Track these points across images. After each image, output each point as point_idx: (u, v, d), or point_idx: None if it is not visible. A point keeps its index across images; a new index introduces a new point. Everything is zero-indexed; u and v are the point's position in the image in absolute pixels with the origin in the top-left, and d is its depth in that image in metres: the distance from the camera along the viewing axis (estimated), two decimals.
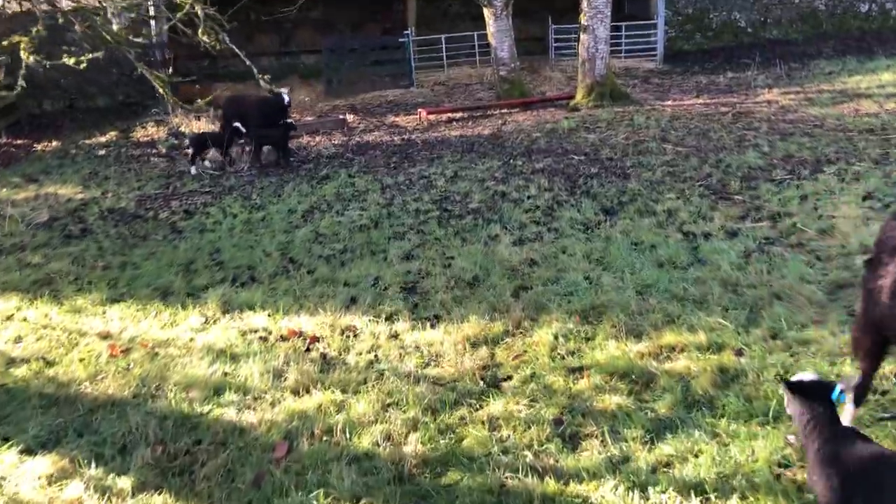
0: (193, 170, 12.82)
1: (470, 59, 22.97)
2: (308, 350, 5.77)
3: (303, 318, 6.35)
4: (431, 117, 16.96)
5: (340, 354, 5.65)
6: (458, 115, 17.12)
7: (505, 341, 5.54)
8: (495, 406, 4.57)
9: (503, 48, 17.57)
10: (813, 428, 3.08)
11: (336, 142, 14.91)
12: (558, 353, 5.22)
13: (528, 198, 9.47)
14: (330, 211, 9.78)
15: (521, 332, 5.67)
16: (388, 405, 4.74)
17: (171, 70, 19.89)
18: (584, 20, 15.96)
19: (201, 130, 14.63)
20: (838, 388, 3.09)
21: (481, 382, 4.94)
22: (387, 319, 6.15)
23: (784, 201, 8.26)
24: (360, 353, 5.61)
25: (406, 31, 21.39)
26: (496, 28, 17.35)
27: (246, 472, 4.22)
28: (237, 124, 12.62)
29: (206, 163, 13.13)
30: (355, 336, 5.93)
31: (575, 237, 7.81)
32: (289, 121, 12.91)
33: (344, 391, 4.99)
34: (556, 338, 5.44)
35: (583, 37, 16.06)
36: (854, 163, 9.52)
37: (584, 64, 16.21)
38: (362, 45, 22.17)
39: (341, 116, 17.49)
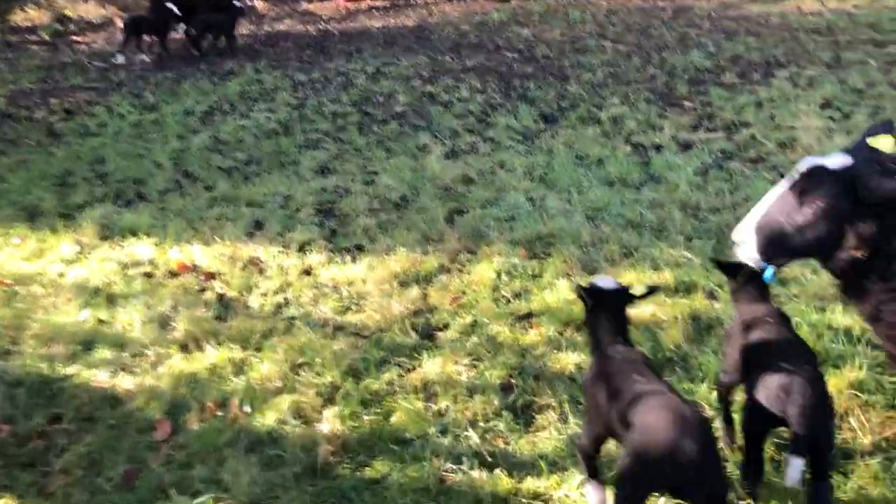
0: (120, 58, 11.29)
1: None
2: (202, 290, 4.77)
3: (197, 247, 5.31)
4: (350, 5, 15.45)
5: (242, 296, 4.68)
6: (380, 3, 15.65)
7: (439, 279, 4.66)
8: (431, 366, 3.74)
9: None
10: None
11: (243, 32, 13.34)
12: (502, 295, 4.40)
13: (460, 101, 8.44)
14: (233, 113, 8.55)
15: (457, 268, 4.81)
16: (300, 366, 3.85)
17: None
18: None
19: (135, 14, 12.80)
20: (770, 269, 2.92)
21: (413, 334, 4.08)
22: (299, 250, 5.17)
23: (738, 109, 7.50)
24: (266, 295, 4.66)
25: None
26: None
27: (117, 463, 3.31)
28: (170, 5, 11.04)
29: (144, 56, 11.45)
30: (260, 272, 4.95)
31: (513, 149, 6.90)
32: (237, 3, 11.40)
33: (244, 346, 4.06)
34: (498, 275, 4.60)
35: None
36: (806, 66, 8.81)
37: None
38: None
39: (249, 2, 15.74)
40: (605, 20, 12.34)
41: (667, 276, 4.39)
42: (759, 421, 2.67)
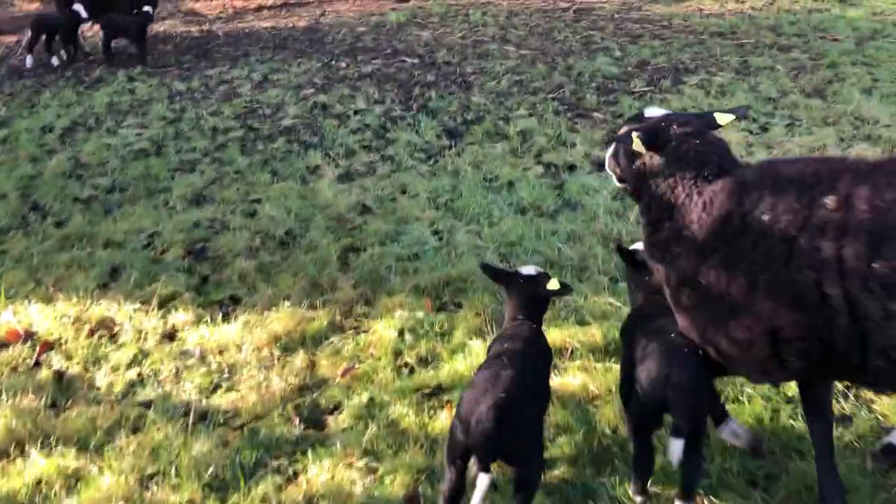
0: (29, 60, 9.96)
1: None
2: (36, 366, 3.85)
3: (35, 307, 4.35)
4: (238, 4, 14.36)
5: (86, 371, 3.79)
6: (269, 1, 14.60)
7: (330, 341, 3.89)
8: (317, 471, 2.98)
9: None
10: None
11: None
12: (405, 363, 3.67)
13: (356, 113, 7.65)
14: (99, 129, 7.48)
15: (352, 325, 4.05)
16: (151, 476, 3.02)
17: None
18: None
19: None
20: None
21: (297, 421, 3.31)
22: (161, 306, 4.29)
23: None
24: (117, 369, 3.78)
25: None
26: None
27: None
28: (78, 6, 9.76)
29: (54, 59, 10.08)
30: (112, 338, 4.05)
31: (416, 170, 6.18)
32: (146, 8, 10.05)
33: (82, 449, 3.20)
34: (401, 334, 3.86)
35: None
36: (715, 72, 8.45)
37: None
38: None
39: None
40: (506, 22, 11.76)
41: (594, 333, 3.77)
42: (646, 409, 2.65)
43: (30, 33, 10.07)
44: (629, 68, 8.84)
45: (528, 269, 3.19)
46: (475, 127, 7.10)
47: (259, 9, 14.04)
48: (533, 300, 3.10)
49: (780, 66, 8.56)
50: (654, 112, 2.93)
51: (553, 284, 3.07)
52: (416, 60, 9.66)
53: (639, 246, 3.04)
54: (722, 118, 2.72)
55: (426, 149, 6.66)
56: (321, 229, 5.17)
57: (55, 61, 10.00)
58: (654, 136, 2.65)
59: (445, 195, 5.63)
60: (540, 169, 6.07)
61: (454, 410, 2.74)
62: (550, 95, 7.99)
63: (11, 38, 11.88)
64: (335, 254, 4.79)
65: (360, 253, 4.80)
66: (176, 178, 6.21)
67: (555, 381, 3.37)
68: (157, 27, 12.51)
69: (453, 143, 6.74)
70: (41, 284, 4.60)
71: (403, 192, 5.75)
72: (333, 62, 9.66)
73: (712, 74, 8.39)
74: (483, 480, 2.39)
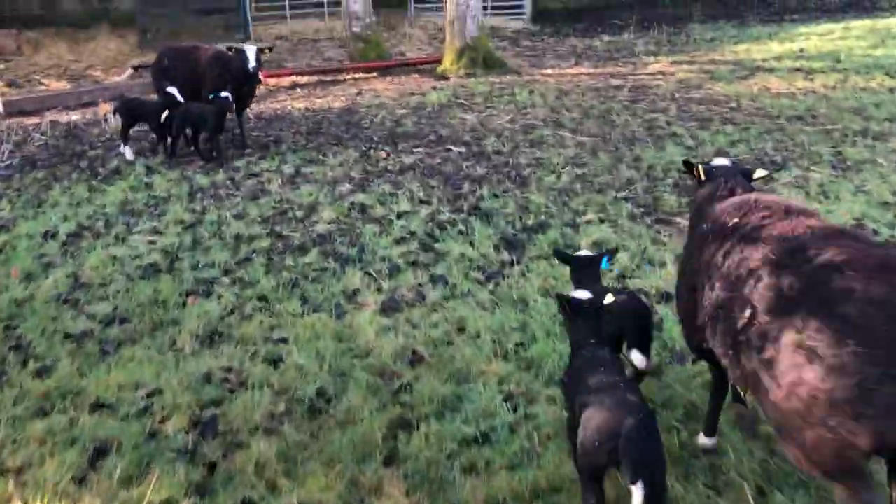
0: (128, 153, 8.81)
1: (318, 9, 19.57)
2: None
3: None
4: (271, 82, 13.63)
5: None
6: (304, 79, 13.88)
7: None
8: None
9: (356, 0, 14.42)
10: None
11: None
12: None
13: (399, 216, 6.64)
14: (107, 235, 6.53)
15: None
16: None
17: None
18: None
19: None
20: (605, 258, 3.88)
21: None
22: None
23: None
24: None
25: None
26: None
27: None
28: (173, 90, 8.63)
29: (127, 151, 8.81)
30: None
31: (473, 296, 5.09)
32: (224, 94, 8.29)
33: None
34: None
35: None
36: (809, 167, 7.36)
37: (452, 24, 13.39)
38: None
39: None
40: (557, 103, 10.82)
41: None
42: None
43: (119, 119, 8.95)
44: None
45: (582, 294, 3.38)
46: (538, 236, 6.02)
47: (293, 87, 13.29)
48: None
49: (881, 160, 7.43)
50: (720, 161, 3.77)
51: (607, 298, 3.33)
52: (462, 149, 8.69)
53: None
54: (757, 174, 3.62)
55: (483, 265, 5.58)
56: (361, 389, 4.06)
57: (129, 154, 8.75)
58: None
59: (514, 337, 4.51)
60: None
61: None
62: (621, 194, 6.93)
63: (34, 120, 11.19)
64: (380, 432, 3.67)
65: (411, 432, 3.68)
66: (188, 305, 5.18)
67: None
68: None
69: (515, 258, 5.66)
70: (3, 473, 3.53)
71: (461, 331, 4.66)
72: (372, 151, 8.72)
73: (805, 170, 7.28)
74: (640, 489, 2.49)
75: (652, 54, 15.61)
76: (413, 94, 12.00)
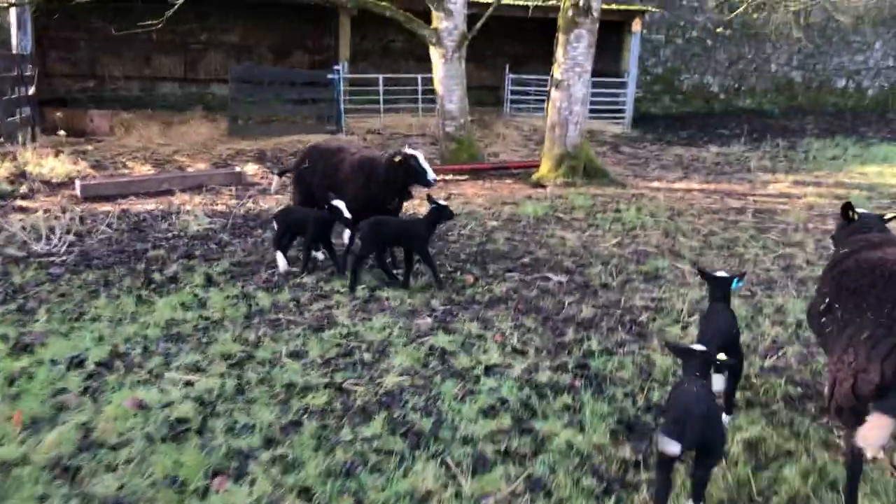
0: (282, 264, 7.59)
1: (412, 104, 18.99)
2: None
3: None
4: None
5: None
6: None
7: None
8: None
9: (452, 98, 13.57)
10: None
11: (219, 207, 10.60)
12: None
13: (487, 371, 5.32)
14: (140, 368, 5.43)
15: None
16: None
17: (33, 87, 15.32)
18: (557, 73, 12.08)
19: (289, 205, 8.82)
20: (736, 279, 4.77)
21: None
22: None
23: None
24: None
25: (337, 66, 17.26)
26: (445, 73, 13.35)
27: None
28: (338, 203, 7.24)
29: (281, 262, 7.63)
30: None
31: None
32: (440, 202, 7.10)
33: None
34: None
35: (554, 94, 12.17)
36: None
37: (553, 129, 12.29)
38: (282, 77, 17.87)
39: (238, 168, 13.14)
40: (669, 225, 9.46)
41: None
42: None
43: (276, 228, 7.79)
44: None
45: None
46: None
47: None
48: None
49: None
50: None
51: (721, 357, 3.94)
52: (563, 278, 7.38)
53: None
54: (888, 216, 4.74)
55: (598, 466, 4.17)
56: None
57: (283, 265, 7.55)
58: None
59: None
60: None
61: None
62: (768, 362, 5.43)
63: (107, 207, 10.53)
64: None
65: None
66: (212, 489, 3.94)
67: None
68: (264, 202, 10.94)
69: (640, 456, 4.23)
70: None
71: None
72: (458, 273, 7.52)
73: None
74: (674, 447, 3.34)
75: (768, 171, 14.15)
76: (506, 203, 10.86)
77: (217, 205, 10.87)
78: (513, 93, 18.91)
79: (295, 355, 5.62)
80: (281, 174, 9.43)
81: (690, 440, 3.35)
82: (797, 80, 24.15)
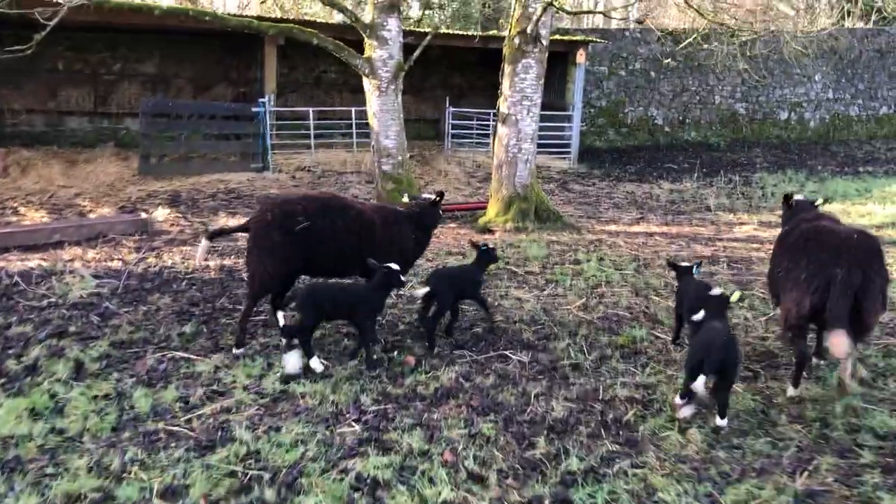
0: (293, 363, 5.56)
1: (346, 139, 17.55)
2: None
3: None
4: None
5: None
6: None
7: None
8: None
9: (388, 134, 12.19)
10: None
11: (114, 263, 8.93)
12: None
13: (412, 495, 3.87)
14: None
15: None
16: None
17: None
18: (504, 107, 10.83)
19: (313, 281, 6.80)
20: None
21: None
22: None
23: None
24: None
25: (263, 99, 15.71)
26: (380, 106, 11.99)
27: None
28: (393, 266, 5.78)
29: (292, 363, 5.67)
30: None
31: None
32: (488, 245, 6.67)
33: None
34: None
35: (501, 129, 10.90)
36: None
37: (500, 168, 11.02)
38: (200, 110, 16.22)
39: (144, 215, 11.44)
40: (638, 280, 8.21)
41: None
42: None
43: (300, 314, 5.79)
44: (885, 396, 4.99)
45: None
46: None
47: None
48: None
49: None
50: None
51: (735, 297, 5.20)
52: (524, 357, 5.99)
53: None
54: (818, 200, 6.40)
55: None
56: None
57: (294, 365, 5.53)
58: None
59: None
60: None
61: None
62: (800, 482, 4.11)
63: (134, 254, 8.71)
64: None
65: None
66: None
67: None
68: (169, 257, 9.28)
69: None
70: None
71: None
72: (397, 352, 6.04)
73: None
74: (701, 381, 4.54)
75: (728, 210, 13.15)
76: (451, 252, 9.46)
77: (113, 260, 9.19)
78: (454, 126, 17.66)
79: (170, 495, 4.04)
80: (212, 237, 6.69)
81: (714, 365, 4.56)
82: (741, 111, 23.64)
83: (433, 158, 17.66)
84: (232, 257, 9.47)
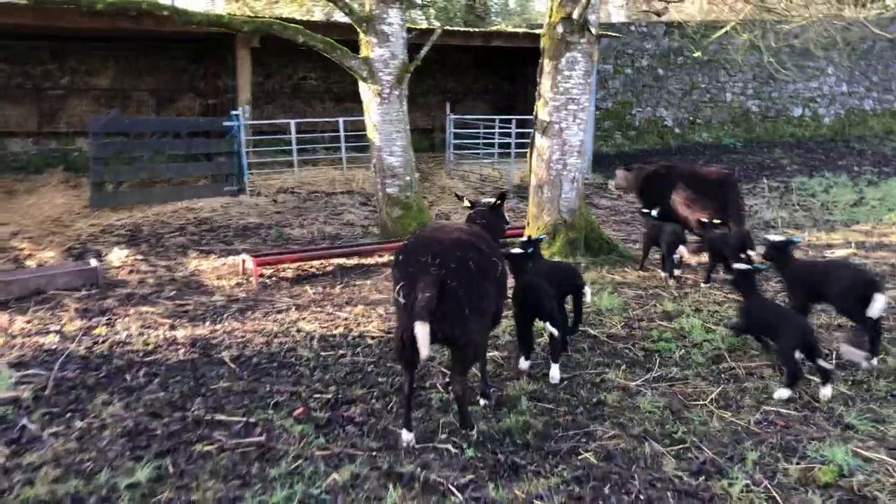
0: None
1: (332, 154, 15.12)
2: None
3: None
4: (266, 271, 8.83)
5: None
6: (315, 265, 9.08)
7: None
8: None
9: (393, 150, 9.84)
10: None
11: (48, 339, 6.50)
12: None
13: None
14: None
15: None
16: None
17: None
18: (544, 113, 8.52)
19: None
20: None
21: None
22: None
23: None
24: None
25: (236, 111, 13.21)
26: (382, 117, 9.62)
27: None
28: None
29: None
30: None
31: None
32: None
33: None
34: None
35: (541, 141, 8.58)
36: None
37: (540, 189, 8.68)
38: (163, 127, 13.67)
39: (93, 262, 8.91)
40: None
41: None
42: None
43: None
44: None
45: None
46: None
47: (299, 279, 8.45)
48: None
49: None
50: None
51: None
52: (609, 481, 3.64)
53: None
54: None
55: None
56: None
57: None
58: None
59: None
60: None
61: None
62: None
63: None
64: None
65: None
66: None
67: None
68: (122, 325, 6.80)
69: None
70: None
71: None
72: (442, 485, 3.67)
73: None
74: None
75: (792, 226, 10.97)
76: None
77: (47, 333, 6.73)
78: (455, 136, 15.30)
79: None
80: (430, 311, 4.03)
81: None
82: (753, 109, 21.61)
83: (432, 173, 15.30)
84: (207, 323, 7.03)
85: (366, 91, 9.91)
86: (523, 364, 5.44)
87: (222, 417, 4.97)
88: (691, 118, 21.00)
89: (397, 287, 4.47)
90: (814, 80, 22.23)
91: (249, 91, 13.82)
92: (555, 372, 5.22)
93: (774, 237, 5.97)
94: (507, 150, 14.74)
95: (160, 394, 5.39)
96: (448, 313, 4.22)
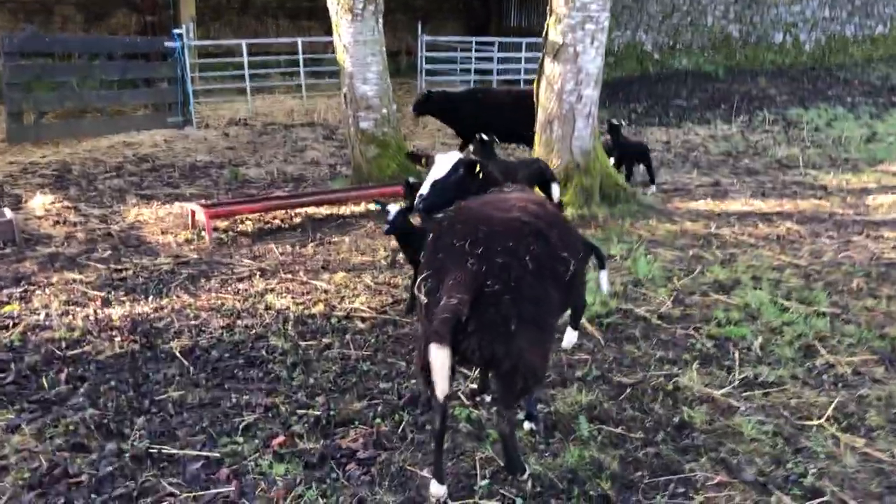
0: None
1: (290, 81, 13.29)
2: None
3: None
4: (221, 224, 7.28)
5: None
6: (279, 216, 7.56)
7: None
8: None
9: (367, 76, 8.25)
10: None
11: None
12: None
13: None
14: None
15: None
16: None
17: None
18: (555, 33, 7.00)
19: None
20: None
21: None
22: None
23: None
24: None
25: (179, 30, 11.27)
26: (354, 38, 7.99)
27: None
28: None
29: None
30: None
31: None
32: None
33: None
34: None
35: (551, 67, 7.10)
36: None
37: (549, 125, 7.25)
38: (93, 47, 11.67)
39: (8, 213, 7.20)
40: (876, 337, 4.74)
41: None
42: None
43: None
44: None
45: None
46: None
47: (262, 233, 6.95)
48: None
49: None
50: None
51: None
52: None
53: None
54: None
55: None
56: None
57: None
58: None
59: None
60: None
61: None
62: None
63: None
64: None
65: None
66: None
67: None
68: (47, 295, 5.25)
69: None
70: None
71: None
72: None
73: None
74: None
75: (811, 166, 9.81)
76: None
77: None
78: (428, 60, 13.57)
79: None
80: None
81: None
82: (734, 34, 20.24)
83: (401, 102, 13.64)
84: (150, 297, 5.52)
85: (333, 5, 8.21)
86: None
87: (173, 451, 3.59)
88: (671, 42, 19.56)
89: (419, 278, 3.10)
90: (796, 4, 20.90)
91: (193, 6, 11.81)
92: (571, 336, 3.83)
93: None
94: (489, 77, 13.13)
95: (88, 411, 3.95)
96: (486, 326, 2.86)
